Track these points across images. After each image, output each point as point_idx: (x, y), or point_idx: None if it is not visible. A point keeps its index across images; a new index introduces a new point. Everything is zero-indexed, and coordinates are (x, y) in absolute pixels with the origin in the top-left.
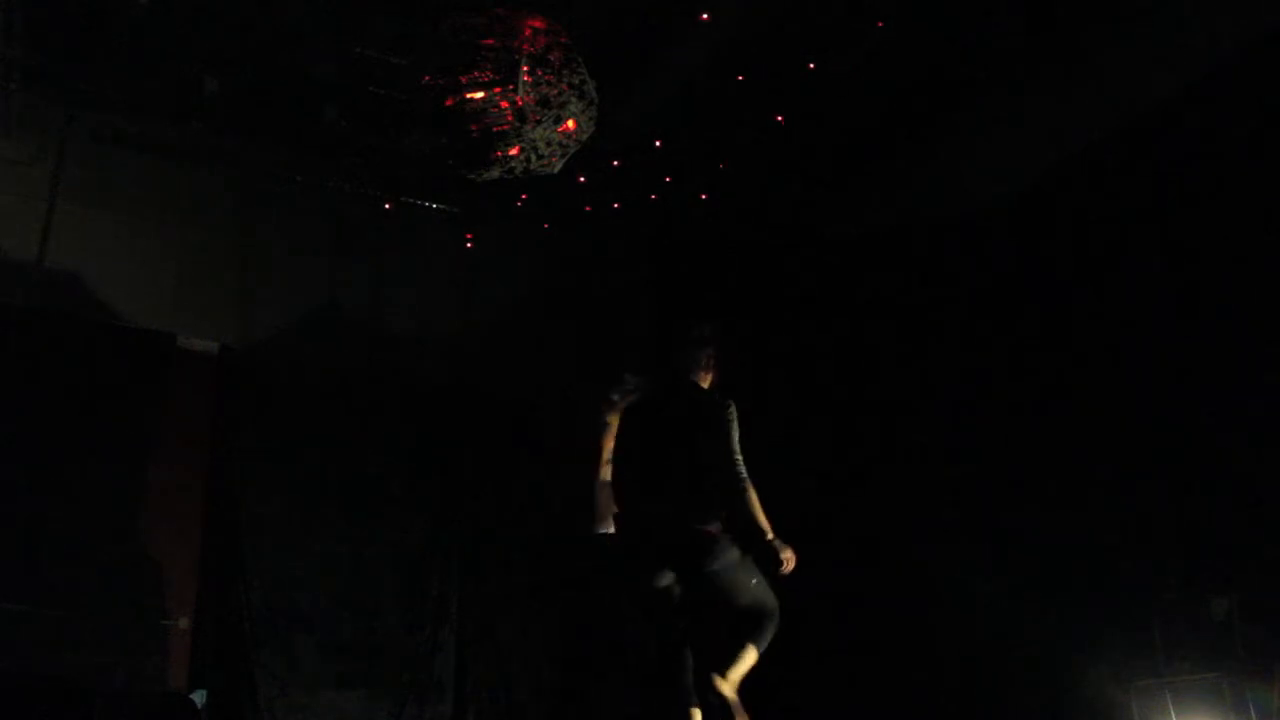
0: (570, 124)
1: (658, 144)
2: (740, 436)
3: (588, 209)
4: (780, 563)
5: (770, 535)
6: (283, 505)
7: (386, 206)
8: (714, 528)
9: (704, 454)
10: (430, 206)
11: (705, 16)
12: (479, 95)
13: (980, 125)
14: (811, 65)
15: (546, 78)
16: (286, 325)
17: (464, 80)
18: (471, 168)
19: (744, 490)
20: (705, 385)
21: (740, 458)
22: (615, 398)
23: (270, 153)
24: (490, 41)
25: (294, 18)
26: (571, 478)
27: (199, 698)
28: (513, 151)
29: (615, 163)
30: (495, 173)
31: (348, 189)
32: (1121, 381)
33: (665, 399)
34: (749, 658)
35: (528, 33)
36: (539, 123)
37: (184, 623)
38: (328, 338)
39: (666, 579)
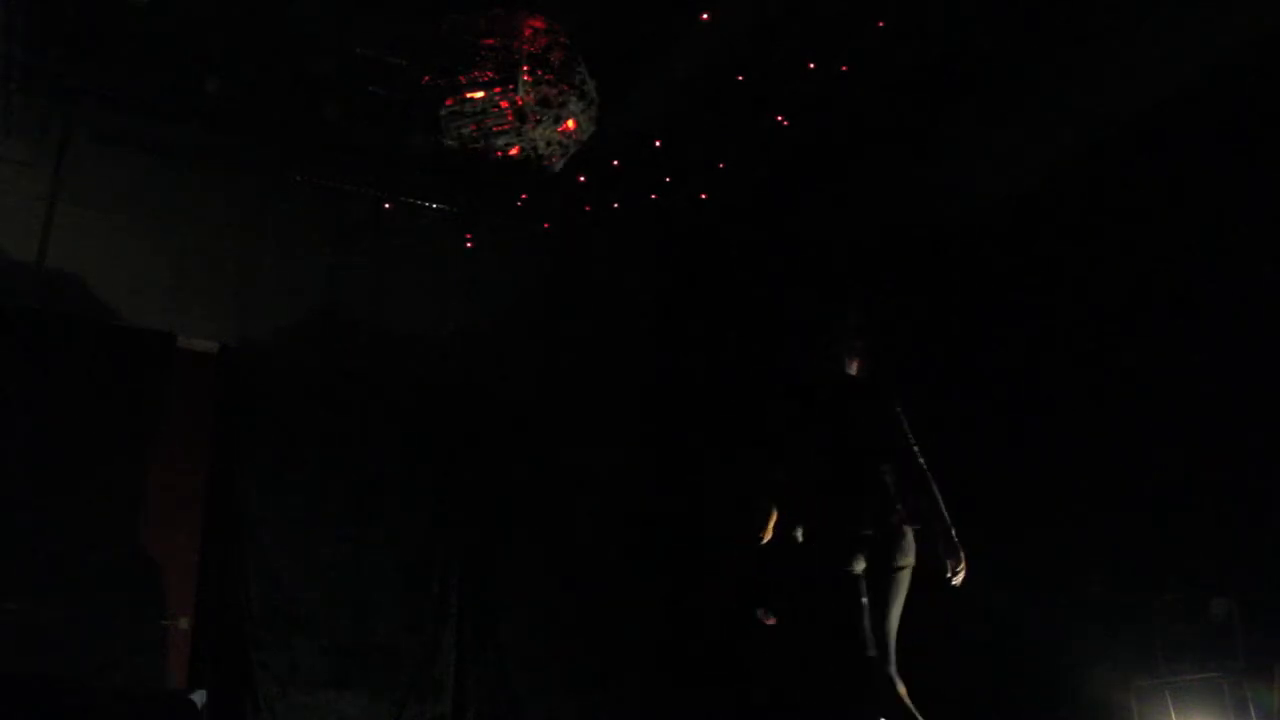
0: (570, 124)
1: (658, 144)
2: None
3: (588, 209)
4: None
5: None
6: (283, 505)
7: (386, 206)
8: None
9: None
10: (430, 206)
11: (705, 16)
12: (479, 95)
13: (980, 125)
14: (811, 65)
15: (546, 78)
16: (286, 325)
17: (464, 80)
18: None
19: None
20: (854, 374)
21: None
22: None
23: (270, 153)
24: (490, 41)
25: (294, 18)
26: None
27: (199, 698)
28: (513, 152)
29: (615, 163)
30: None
31: (348, 189)
32: (1121, 381)
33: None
34: None
35: (528, 33)
36: (539, 122)
37: (184, 623)
38: (328, 337)
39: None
